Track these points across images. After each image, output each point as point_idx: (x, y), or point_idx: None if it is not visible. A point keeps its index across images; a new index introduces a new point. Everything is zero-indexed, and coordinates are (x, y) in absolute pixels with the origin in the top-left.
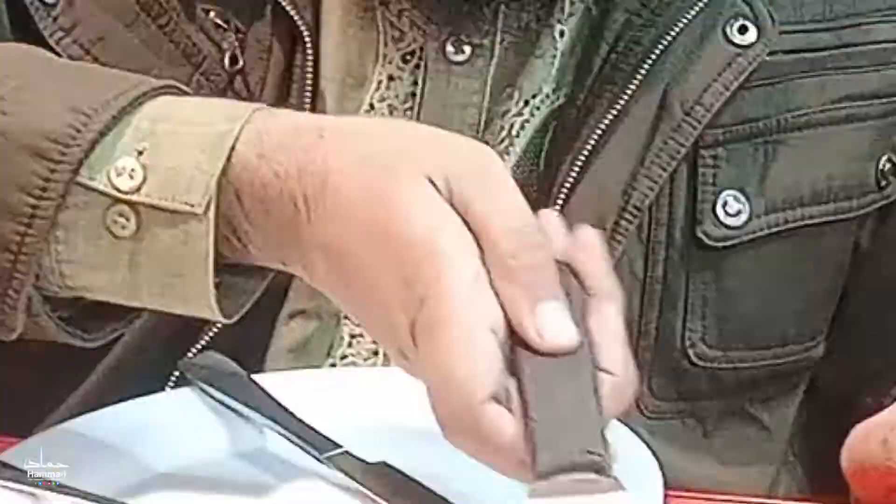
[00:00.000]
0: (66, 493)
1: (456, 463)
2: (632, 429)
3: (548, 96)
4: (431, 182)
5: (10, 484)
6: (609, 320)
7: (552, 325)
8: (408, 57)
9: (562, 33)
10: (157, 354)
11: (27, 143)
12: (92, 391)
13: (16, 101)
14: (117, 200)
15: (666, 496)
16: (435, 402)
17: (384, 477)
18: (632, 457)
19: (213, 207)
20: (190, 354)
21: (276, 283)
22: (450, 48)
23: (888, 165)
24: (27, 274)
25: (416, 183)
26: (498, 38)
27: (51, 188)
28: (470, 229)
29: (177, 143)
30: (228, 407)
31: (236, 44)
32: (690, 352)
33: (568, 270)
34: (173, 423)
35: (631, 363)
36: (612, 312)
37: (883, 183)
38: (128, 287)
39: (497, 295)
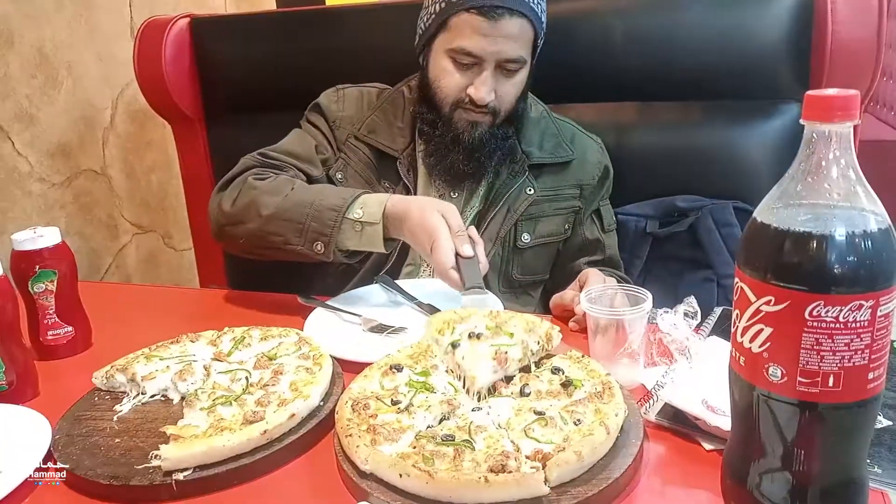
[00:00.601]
0: (341, 311)
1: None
2: (495, 294)
3: (476, 206)
4: (437, 211)
5: (327, 311)
6: (480, 249)
7: (466, 249)
8: (439, 194)
9: (481, 190)
10: (370, 273)
11: (329, 207)
12: (355, 283)
13: (322, 195)
14: (355, 221)
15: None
16: (436, 271)
17: (434, 309)
18: (492, 299)
19: (381, 222)
20: (379, 274)
21: (403, 251)
22: (452, 194)
23: (567, 227)
24: (333, 243)
25: (433, 212)
26: (465, 192)
27: (338, 219)
28: (448, 224)
29: (370, 204)
30: (389, 290)
31: (391, 189)
32: (512, 276)
33: (472, 237)
34: (375, 294)
35: (486, 262)
36: (481, 248)
37: (567, 231)
38: (359, 244)
39: (452, 241)
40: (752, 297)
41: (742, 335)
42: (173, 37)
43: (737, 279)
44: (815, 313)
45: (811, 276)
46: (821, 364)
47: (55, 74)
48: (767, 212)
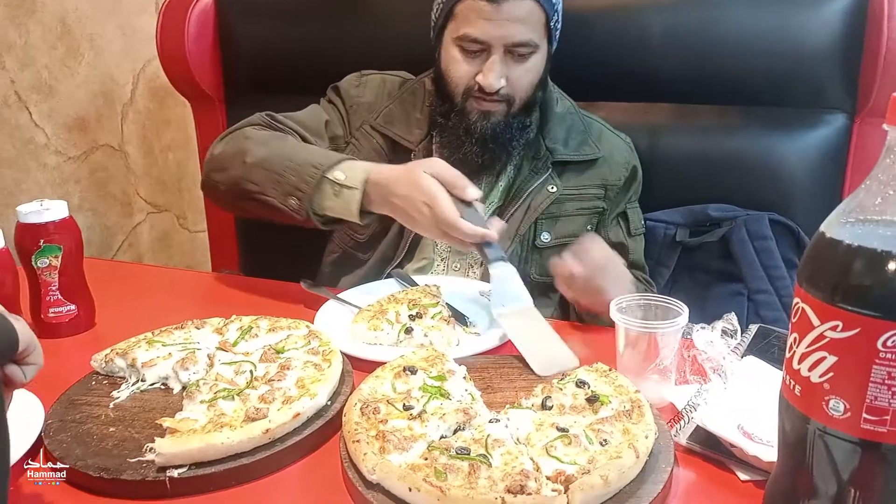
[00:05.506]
0: (345, 303)
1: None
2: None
3: (495, 202)
4: (424, 171)
5: (339, 304)
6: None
7: (471, 192)
8: None
9: (501, 186)
10: (378, 266)
11: (311, 163)
12: (364, 277)
13: (308, 151)
14: (335, 182)
15: None
16: (443, 225)
17: (451, 308)
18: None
19: (362, 188)
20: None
21: (413, 244)
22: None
23: (589, 228)
24: (308, 199)
25: (420, 173)
26: (484, 187)
27: (317, 176)
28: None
29: (355, 168)
30: (404, 286)
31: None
32: (531, 276)
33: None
34: (389, 289)
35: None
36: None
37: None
38: (334, 207)
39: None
40: (816, 321)
41: (799, 362)
42: (197, 14)
43: (797, 299)
44: (889, 343)
45: (887, 302)
46: (891, 400)
47: (77, 46)
48: (838, 226)
